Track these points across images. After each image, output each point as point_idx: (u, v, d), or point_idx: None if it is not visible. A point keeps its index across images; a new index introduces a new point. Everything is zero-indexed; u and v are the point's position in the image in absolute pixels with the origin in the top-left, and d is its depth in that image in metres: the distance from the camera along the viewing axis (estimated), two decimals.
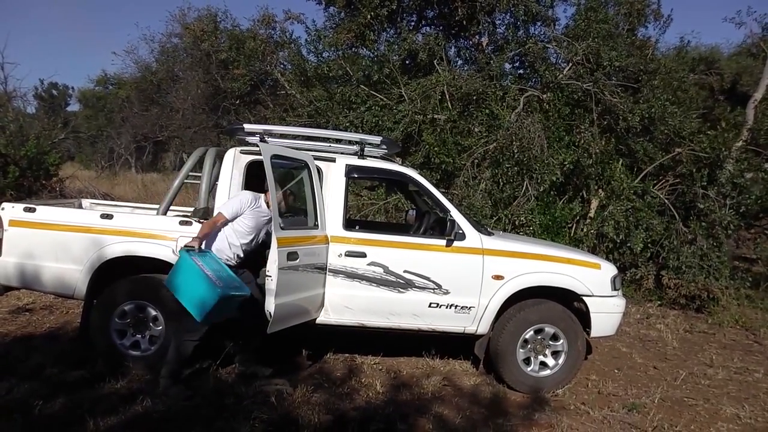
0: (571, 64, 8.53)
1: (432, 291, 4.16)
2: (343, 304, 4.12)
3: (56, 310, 5.49)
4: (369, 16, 9.40)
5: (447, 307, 4.17)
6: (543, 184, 7.62)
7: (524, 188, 7.69)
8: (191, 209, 4.50)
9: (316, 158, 4.20)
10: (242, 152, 4.21)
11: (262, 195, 3.94)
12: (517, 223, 7.61)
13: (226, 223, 3.81)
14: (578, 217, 8.21)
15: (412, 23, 10.47)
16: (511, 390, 4.23)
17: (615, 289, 4.37)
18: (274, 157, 3.72)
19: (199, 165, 4.55)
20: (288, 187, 4.00)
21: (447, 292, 4.17)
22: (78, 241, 3.94)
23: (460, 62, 10.26)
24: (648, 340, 6.06)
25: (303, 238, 3.88)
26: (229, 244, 3.81)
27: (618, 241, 7.62)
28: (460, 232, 4.18)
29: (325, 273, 4.07)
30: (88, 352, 4.05)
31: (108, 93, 24.47)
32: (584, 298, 4.28)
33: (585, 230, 8.01)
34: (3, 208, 4.02)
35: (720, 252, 7.39)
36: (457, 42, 10.38)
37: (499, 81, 8.94)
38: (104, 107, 25.19)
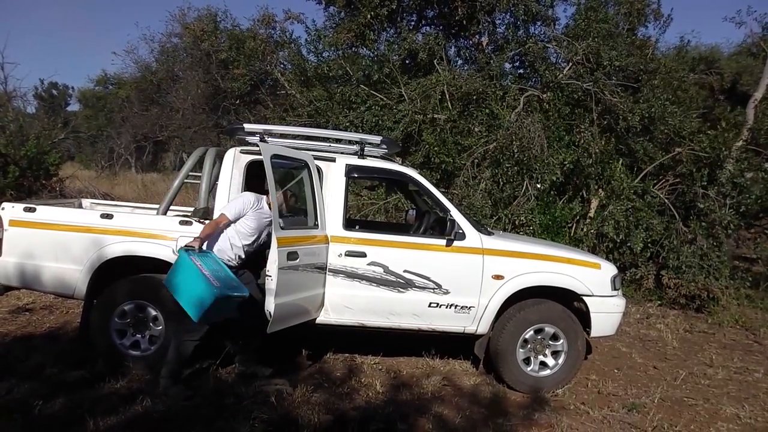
0: (571, 64, 8.53)
1: (432, 291, 4.16)
2: (343, 303, 4.12)
3: (56, 310, 5.49)
4: (369, 16, 9.40)
5: (447, 307, 4.17)
6: (543, 184, 7.62)
7: (524, 188, 7.69)
8: (191, 209, 4.50)
9: (316, 158, 4.20)
10: (242, 152, 4.21)
11: (264, 196, 3.93)
12: (517, 222, 7.62)
13: (228, 224, 3.81)
14: (578, 217, 8.20)
15: (412, 23, 10.47)
16: (511, 390, 4.23)
17: (615, 289, 4.37)
18: (274, 156, 3.72)
19: (199, 165, 4.55)
20: (288, 187, 4.01)
21: (447, 292, 4.17)
22: (78, 240, 3.95)
23: (460, 62, 10.28)
24: (648, 339, 6.06)
25: (303, 238, 3.88)
26: (231, 245, 3.81)
27: (618, 240, 7.62)
28: (460, 231, 4.18)
29: (325, 273, 4.07)
30: (88, 352, 4.05)
31: (108, 93, 24.47)
32: (584, 297, 4.28)
33: (585, 230, 8.01)
34: (3, 208, 4.02)
35: (720, 252, 7.39)
36: (457, 42, 10.38)
37: (499, 81, 8.95)
38: (104, 107, 25.16)
